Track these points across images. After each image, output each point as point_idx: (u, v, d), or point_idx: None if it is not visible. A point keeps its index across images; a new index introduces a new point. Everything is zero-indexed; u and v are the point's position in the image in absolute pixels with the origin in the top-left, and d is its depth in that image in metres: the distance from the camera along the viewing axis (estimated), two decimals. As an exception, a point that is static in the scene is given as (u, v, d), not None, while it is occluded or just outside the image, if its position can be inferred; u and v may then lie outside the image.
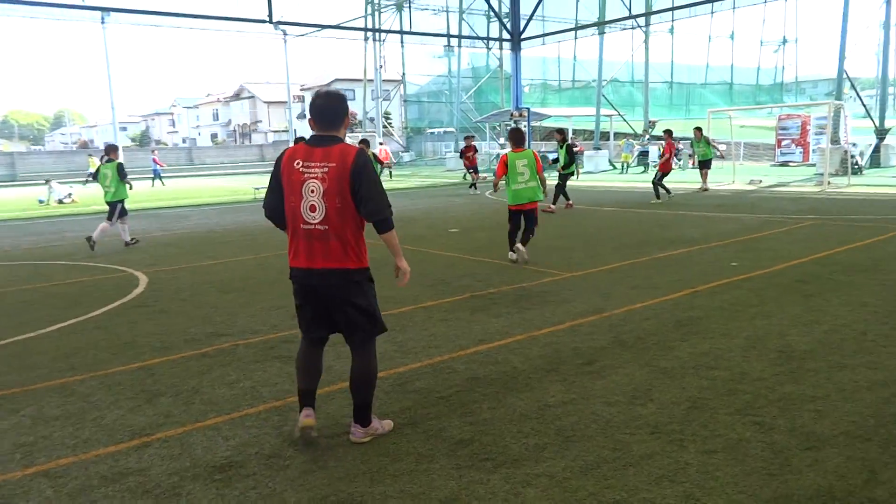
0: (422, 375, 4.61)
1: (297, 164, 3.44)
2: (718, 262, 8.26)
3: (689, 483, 3.04)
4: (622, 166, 30.43)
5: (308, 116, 3.60)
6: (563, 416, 3.84)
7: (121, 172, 11.69)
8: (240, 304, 7.01)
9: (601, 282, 7.39)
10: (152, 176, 35.04)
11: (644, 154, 30.84)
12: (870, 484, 2.97)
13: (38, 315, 6.82)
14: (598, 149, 34.82)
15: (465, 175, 21.18)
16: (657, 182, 16.24)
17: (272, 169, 3.62)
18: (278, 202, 3.58)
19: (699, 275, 7.52)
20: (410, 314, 6.29)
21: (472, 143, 21.71)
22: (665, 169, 16.32)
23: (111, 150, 12.14)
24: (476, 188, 21.70)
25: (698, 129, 19.04)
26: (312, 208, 3.42)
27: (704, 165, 19.13)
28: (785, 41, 47.90)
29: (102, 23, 32.86)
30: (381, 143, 38.25)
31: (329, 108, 3.51)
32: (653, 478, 3.10)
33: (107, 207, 11.97)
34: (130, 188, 12.10)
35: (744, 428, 3.58)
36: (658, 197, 16.12)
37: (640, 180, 24.61)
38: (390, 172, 33.38)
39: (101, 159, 12.09)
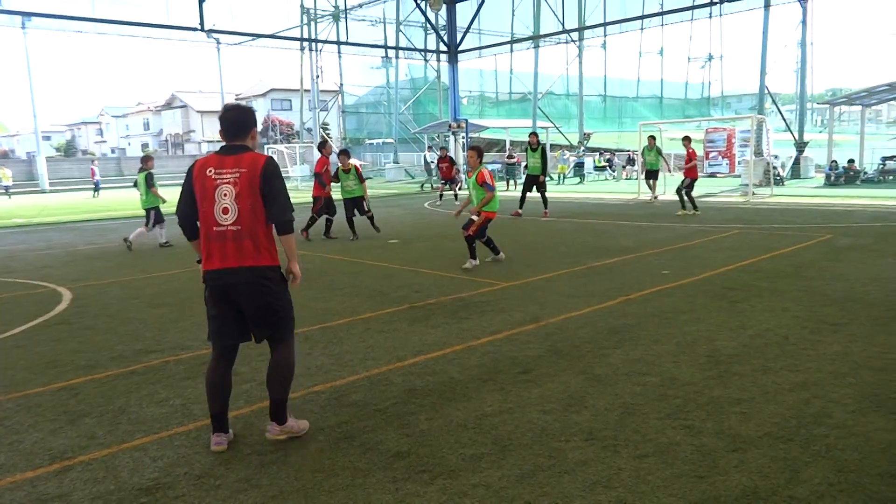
0: (359, 388, 4.56)
1: (210, 171, 3.63)
2: (651, 270, 8.50)
3: (622, 488, 3.09)
4: (559, 177, 31.03)
5: (219, 128, 3.82)
6: (499, 424, 3.86)
7: (149, 182, 12.57)
8: (171, 318, 6.79)
9: (538, 291, 7.49)
10: (94, 187, 33.73)
11: (580, 165, 31.54)
12: (792, 483, 3.09)
13: (-49, 334, 6.43)
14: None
15: (431, 185, 20.86)
16: (684, 191, 15.16)
17: (183, 180, 3.76)
18: (191, 209, 3.72)
19: (632, 282, 7.71)
20: (348, 326, 6.22)
21: (447, 153, 21.48)
22: (692, 175, 15.25)
23: (146, 160, 13.07)
24: (454, 197, 21.51)
25: (652, 138, 18.69)
26: (225, 211, 3.59)
27: (652, 175, 18.91)
28: (711, 58, 49.89)
29: (23, 27, 31.51)
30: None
31: (238, 120, 3.74)
32: (587, 484, 3.14)
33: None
34: (163, 200, 12.79)
35: (674, 432, 3.68)
36: (685, 207, 15.19)
37: (576, 191, 25.14)
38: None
39: (139, 169, 13.04)
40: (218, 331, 3.73)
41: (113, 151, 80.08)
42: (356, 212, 12.94)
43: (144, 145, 78.43)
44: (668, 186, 20.08)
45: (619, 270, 8.56)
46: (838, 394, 4.14)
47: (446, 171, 20.81)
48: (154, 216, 12.63)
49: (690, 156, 15.70)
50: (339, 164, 12.94)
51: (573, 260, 9.45)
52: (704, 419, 3.83)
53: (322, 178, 12.88)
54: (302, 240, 12.45)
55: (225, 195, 3.57)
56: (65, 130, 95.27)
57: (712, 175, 29.56)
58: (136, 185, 12.99)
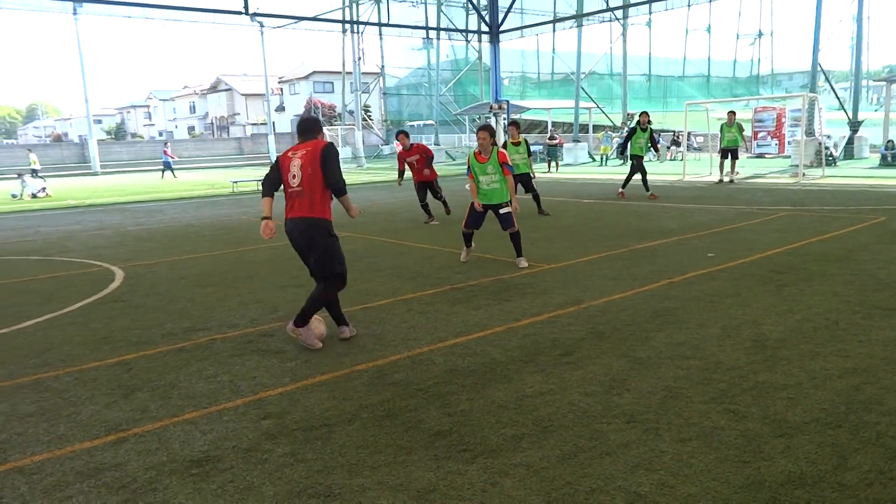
0: (401, 367, 4.61)
1: (289, 153, 5.16)
2: (695, 252, 8.35)
3: (663, 471, 3.08)
4: (602, 158, 30.61)
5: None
6: (540, 406, 3.87)
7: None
8: (217, 298, 6.96)
9: (579, 273, 7.44)
10: (162, 168, 34.80)
11: (623, 146, 31.03)
12: (839, 469, 3.03)
13: (12, 311, 6.72)
14: (578, 141, 35.00)
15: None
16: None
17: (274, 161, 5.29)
18: (276, 176, 5.17)
19: (676, 265, 7.60)
20: (390, 306, 6.29)
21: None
22: None
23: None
24: None
25: (732, 113, 17.87)
26: (294, 177, 5.03)
27: (731, 154, 17.90)
28: (760, 34, 48.47)
29: (75, 14, 32.32)
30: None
31: (307, 126, 5.28)
32: (629, 466, 3.14)
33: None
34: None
35: (718, 416, 3.64)
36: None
37: (619, 172, 24.78)
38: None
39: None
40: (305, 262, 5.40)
41: (160, 134, 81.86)
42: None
43: (191, 128, 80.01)
44: (713, 167, 19.61)
45: (663, 253, 8.44)
46: (891, 380, 4.03)
47: None
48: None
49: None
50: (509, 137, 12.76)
51: (615, 242, 9.35)
52: (749, 404, 3.78)
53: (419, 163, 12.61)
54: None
55: (295, 165, 5.03)
56: (115, 114, 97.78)
57: (760, 156, 28.78)
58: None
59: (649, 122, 15.39)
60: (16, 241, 12.23)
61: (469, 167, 8.01)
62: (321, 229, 5.01)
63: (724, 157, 18.17)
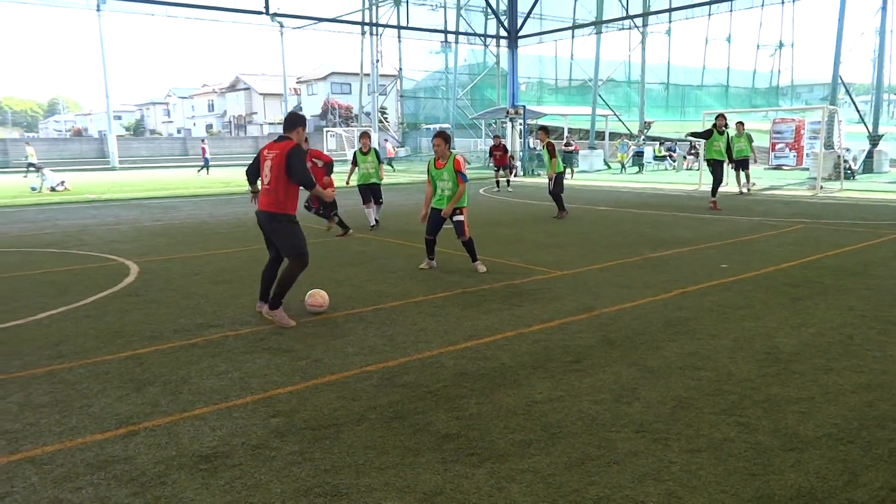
0: (410, 369, 4.62)
1: (265, 150, 5.95)
2: (709, 263, 8.30)
3: (672, 481, 3.06)
4: (621, 166, 30.51)
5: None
6: (549, 412, 3.86)
7: (378, 157, 12.35)
8: (230, 295, 7.00)
9: (592, 281, 7.42)
10: (202, 164, 35.47)
11: (639, 154, 30.92)
12: (850, 486, 3.00)
13: (28, 302, 6.80)
14: (594, 148, 34.90)
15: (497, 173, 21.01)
16: None
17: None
18: (256, 168, 6.13)
19: (689, 276, 7.56)
20: (401, 308, 6.30)
21: (501, 142, 21.52)
22: None
23: (365, 136, 12.59)
24: (507, 185, 21.58)
25: (740, 124, 17.77)
26: (266, 176, 5.86)
27: (742, 164, 17.77)
28: (781, 45, 48.07)
29: (98, 10, 32.68)
30: (386, 140, 39.47)
31: (288, 122, 6.04)
32: (636, 475, 3.12)
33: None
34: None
35: (728, 428, 3.61)
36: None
37: (634, 181, 24.69)
38: (392, 166, 34.86)
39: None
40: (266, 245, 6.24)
41: (179, 132, 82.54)
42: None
43: (209, 126, 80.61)
44: (730, 178, 19.48)
45: (676, 263, 8.39)
46: (905, 397, 3.99)
47: (500, 158, 20.78)
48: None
49: None
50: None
51: (629, 250, 9.31)
52: (760, 417, 3.75)
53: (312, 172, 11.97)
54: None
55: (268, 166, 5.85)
56: (134, 110, 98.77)
57: (778, 167, 28.56)
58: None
59: (726, 125, 14.32)
60: (34, 234, 12.38)
61: (428, 173, 8.05)
62: (281, 220, 5.88)
63: (736, 169, 18.10)
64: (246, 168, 6.39)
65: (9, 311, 6.41)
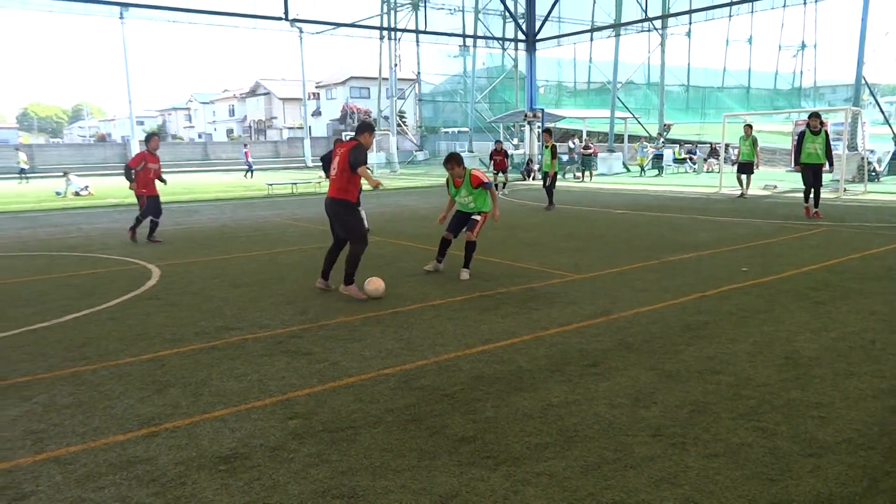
0: (427, 372, 4.64)
1: (338, 148, 7.21)
2: (729, 266, 8.24)
3: (688, 486, 3.05)
4: (640, 169, 30.33)
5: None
6: (566, 416, 3.86)
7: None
8: (250, 298, 7.08)
9: (609, 284, 7.39)
10: (246, 168, 36.33)
11: (659, 157, 30.72)
12: (870, 492, 2.97)
13: (53, 305, 6.93)
14: (613, 151, 34.73)
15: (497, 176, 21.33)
16: None
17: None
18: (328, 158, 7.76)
19: (709, 279, 7.50)
20: (419, 311, 6.33)
21: (502, 146, 21.96)
22: None
23: (339, 144, 12.88)
24: (502, 187, 21.79)
25: (748, 126, 17.60)
26: (333, 169, 7.06)
27: (745, 168, 17.75)
28: (804, 46, 47.52)
29: (121, 17, 33.18)
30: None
31: (358, 128, 7.28)
32: (653, 480, 3.11)
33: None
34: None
35: (746, 433, 3.59)
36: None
37: (654, 183, 24.54)
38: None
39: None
40: (331, 230, 7.40)
41: (200, 136, 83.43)
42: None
43: (229, 131, 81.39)
44: (752, 180, 19.30)
45: (695, 266, 8.34)
46: (928, 403, 3.93)
47: (500, 162, 21.31)
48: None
49: None
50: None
51: (647, 254, 9.26)
52: (779, 422, 3.72)
53: (135, 175, 11.57)
54: (128, 240, 11.72)
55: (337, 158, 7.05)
56: (156, 116, 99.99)
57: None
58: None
59: (822, 123, 13.17)
60: (59, 238, 12.59)
61: (447, 188, 8.38)
62: (343, 205, 6.99)
63: (739, 171, 18.05)
64: (322, 157, 8.12)
65: (35, 314, 6.54)
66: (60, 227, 14.59)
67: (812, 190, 13.09)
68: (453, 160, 7.99)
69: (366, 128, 7.21)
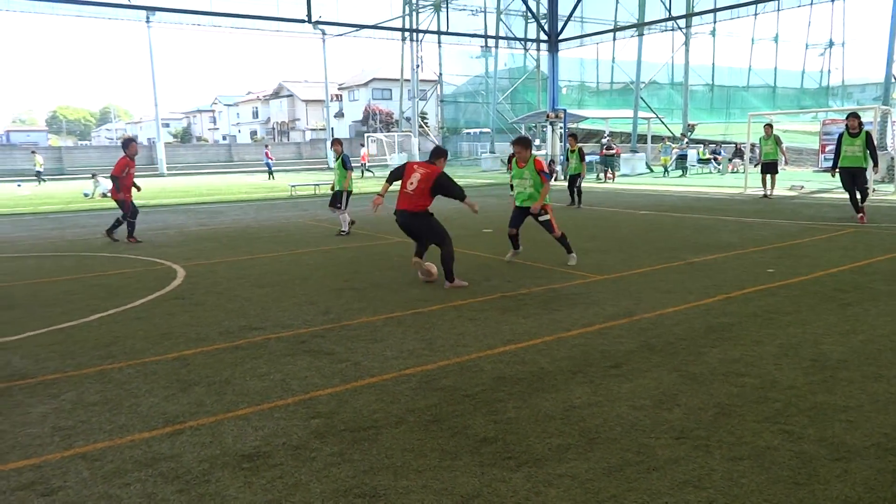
0: (449, 373, 4.64)
1: (415, 165, 7.72)
2: (754, 268, 8.13)
3: (713, 489, 3.02)
4: (664, 170, 30.06)
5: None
6: (588, 417, 3.84)
7: (345, 164, 12.56)
8: (273, 298, 7.14)
9: (633, 285, 7.33)
10: (267, 169, 36.65)
11: (682, 158, 30.42)
12: (900, 497, 2.91)
13: (81, 304, 7.04)
14: (636, 151, 34.47)
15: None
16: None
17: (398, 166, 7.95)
18: (399, 174, 7.72)
19: (734, 280, 7.41)
20: (440, 312, 6.33)
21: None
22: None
23: (335, 143, 13.27)
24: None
25: (769, 126, 17.39)
26: (411, 183, 7.45)
27: (769, 168, 17.45)
28: (831, 44, 46.81)
29: (147, 22, 33.69)
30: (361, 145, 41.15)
31: (435, 153, 7.84)
32: (676, 482, 3.08)
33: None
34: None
35: (772, 436, 3.54)
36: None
37: (678, 184, 24.31)
38: (362, 172, 35.36)
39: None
40: (408, 236, 7.92)
41: (224, 138, 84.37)
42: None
43: (253, 132, 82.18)
44: (778, 181, 19.04)
45: (720, 267, 8.24)
46: (960, 407, 3.85)
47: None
48: (345, 199, 12.39)
49: None
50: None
51: (671, 255, 9.18)
52: (806, 425, 3.66)
53: (120, 181, 11.90)
54: (108, 241, 12.01)
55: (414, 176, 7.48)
56: (181, 118, 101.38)
57: (828, 170, 27.73)
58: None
59: (860, 124, 12.40)
60: (87, 239, 12.81)
61: (509, 168, 9.39)
62: (422, 217, 7.50)
63: (763, 171, 17.74)
64: (389, 173, 7.94)
65: (64, 313, 6.65)
66: (88, 227, 14.84)
67: (857, 193, 12.40)
68: (522, 143, 8.66)
69: (442, 153, 7.83)
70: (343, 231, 12.44)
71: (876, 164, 13.03)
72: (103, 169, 35.19)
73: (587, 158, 21.98)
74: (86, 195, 24.84)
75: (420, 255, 7.71)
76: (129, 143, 12.36)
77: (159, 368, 4.90)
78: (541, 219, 8.65)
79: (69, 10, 26.98)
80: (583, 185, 17.17)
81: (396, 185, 7.72)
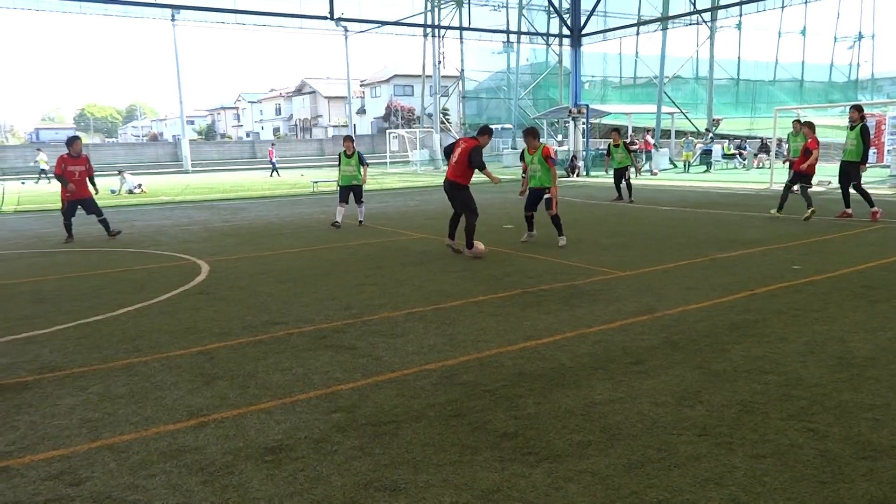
0: (469, 368, 4.65)
1: (461, 141, 9.24)
2: (780, 264, 8.02)
3: (735, 487, 2.99)
4: (685, 165, 29.74)
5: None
6: (609, 414, 3.82)
7: (361, 159, 13.38)
8: (295, 293, 7.20)
9: (655, 282, 7.28)
10: (271, 167, 37.00)
11: (707, 153, 30.06)
12: (928, 497, 2.86)
13: (108, 299, 7.16)
14: (658, 147, 34.13)
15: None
16: (804, 189, 12.53)
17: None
18: (450, 149, 9.25)
19: (758, 277, 7.32)
20: (461, 308, 6.34)
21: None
22: (810, 171, 12.40)
23: (348, 139, 13.73)
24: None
25: (797, 122, 16.46)
26: (454, 157, 9.01)
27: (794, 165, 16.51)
28: (861, 36, 45.94)
29: (173, 20, 34.07)
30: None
31: (479, 131, 9.26)
32: (698, 480, 3.06)
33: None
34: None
35: (796, 434, 3.50)
36: (811, 207, 11.98)
37: (702, 179, 24.04)
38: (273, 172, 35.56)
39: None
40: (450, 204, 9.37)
41: (247, 135, 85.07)
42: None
43: (276, 129, 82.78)
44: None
45: (745, 264, 8.14)
46: None
47: None
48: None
49: (812, 145, 12.78)
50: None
51: (694, 251, 9.09)
52: (831, 423, 3.61)
53: (64, 178, 11.73)
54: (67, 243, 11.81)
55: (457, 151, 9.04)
56: (206, 115, 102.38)
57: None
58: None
59: (862, 118, 12.08)
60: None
61: (522, 158, 10.41)
62: (459, 188, 9.06)
63: (791, 168, 17.27)
64: (444, 149, 9.53)
65: (91, 308, 6.78)
66: (114, 223, 15.03)
67: (856, 189, 12.16)
68: (530, 133, 9.97)
69: (486, 131, 9.15)
70: (361, 221, 13.27)
71: (863, 161, 12.24)
72: (129, 166, 35.71)
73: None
74: (112, 192, 25.21)
75: (451, 236, 9.25)
76: (72, 142, 12.13)
77: (184, 362, 4.97)
78: (545, 195, 9.88)
79: (97, 9, 27.38)
80: (599, 181, 17.17)
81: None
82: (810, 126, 12.82)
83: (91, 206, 12.25)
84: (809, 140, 12.45)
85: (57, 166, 11.86)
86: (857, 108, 12.29)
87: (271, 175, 35.68)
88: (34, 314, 6.58)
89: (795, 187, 12.90)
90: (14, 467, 3.38)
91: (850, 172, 12.19)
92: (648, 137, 31.17)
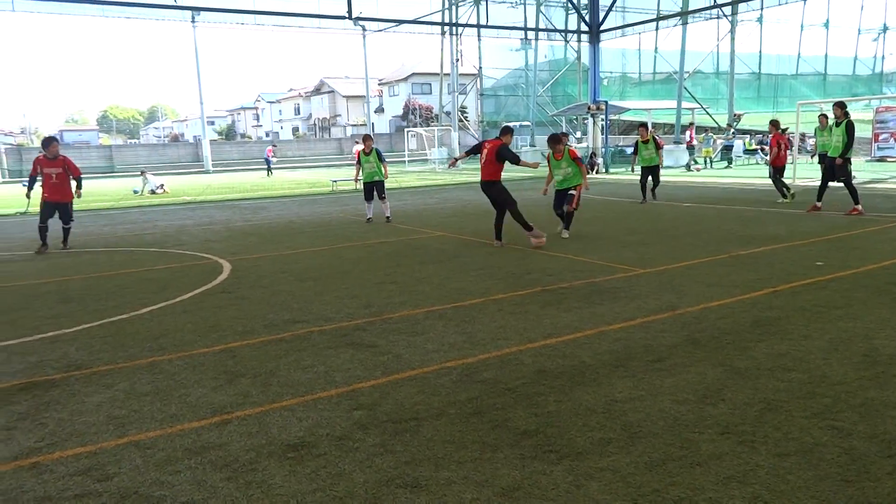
0: (490, 366, 4.66)
1: (486, 143, 10.01)
2: (802, 261, 7.93)
3: (758, 485, 2.97)
4: (705, 161, 29.45)
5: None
6: (630, 411, 3.81)
7: (380, 156, 13.74)
8: (315, 292, 7.25)
9: (676, 279, 7.23)
10: (266, 166, 37.42)
11: (728, 149, 29.73)
12: (956, 496, 2.82)
13: (132, 298, 7.27)
14: (679, 143, 33.83)
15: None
16: (776, 180, 14.58)
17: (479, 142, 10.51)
18: (477, 149, 10.21)
19: (781, 274, 7.24)
20: (481, 306, 6.35)
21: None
22: (778, 164, 14.46)
23: (367, 138, 14.05)
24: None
25: (823, 116, 16.64)
26: (483, 158, 9.80)
27: (824, 160, 15.85)
28: (885, 28, 45.14)
29: (193, 22, 34.41)
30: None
31: (501, 131, 9.95)
32: (720, 478, 3.05)
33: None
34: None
35: (820, 432, 3.46)
36: (784, 196, 14.32)
37: (723, 175, 23.79)
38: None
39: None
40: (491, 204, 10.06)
41: (267, 135, 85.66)
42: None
43: (295, 129, 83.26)
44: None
45: (767, 260, 8.06)
46: None
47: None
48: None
49: (773, 143, 14.59)
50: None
51: (715, 248, 9.01)
52: (856, 421, 3.57)
53: (35, 180, 11.44)
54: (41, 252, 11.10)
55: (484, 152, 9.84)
56: (226, 116, 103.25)
57: (881, 159, 26.83)
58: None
59: (846, 114, 12.10)
60: (137, 234, 13.19)
61: (548, 162, 10.75)
62: (495, 184, 9.72)
63: (821, 162, 16.99)
64: (467, 150, 10.55)
65: (115, 307, 6.88)
66: (138, 223, 15.26)
67: (835, 182, 12.30)
68: (554, 139, 10.57)
69: (507, 130, 9.89)
70: (388, 217, 13.58)
71: (842, 155, 12.02)
72: (152, 167, 36.13)
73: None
74: (135, 192, 25.54)
75: (498, 236, 9.89)
76: (48, 143, 11.52)
77: (207, 360, 5.04)
78: (569, 192, 10.44)
79: (118, 11, 27.74)
80: (619, 178, 16.89)
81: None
82: (774, 124, 14.70)
83: (65, 211, 11.43)
84: (772, 136, 14.32)
85: (32, 168, 11.35)
86: (840, 105, 12.36)
87: (268, 175, 35.70)
88: (61, 313, 6.70)
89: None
90: (44, 463, 3.46)
91: (835, 168, 12.25)
92: (693, 133, 30.51)
